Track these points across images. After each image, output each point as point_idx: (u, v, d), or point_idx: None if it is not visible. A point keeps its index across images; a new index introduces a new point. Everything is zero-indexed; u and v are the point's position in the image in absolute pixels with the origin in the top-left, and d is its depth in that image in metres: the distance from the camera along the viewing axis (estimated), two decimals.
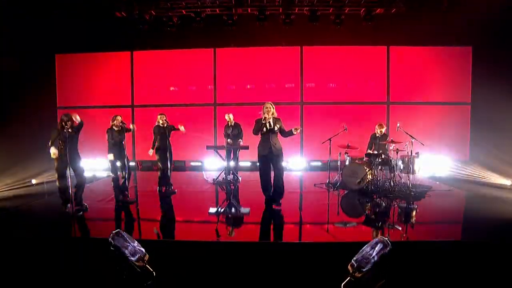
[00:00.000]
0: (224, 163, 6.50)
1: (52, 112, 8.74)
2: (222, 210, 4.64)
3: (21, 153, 6.85)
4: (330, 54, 8.54)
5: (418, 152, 5.39)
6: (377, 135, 6.06)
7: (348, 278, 2.53)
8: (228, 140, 6.59)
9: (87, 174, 4.86)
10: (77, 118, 4.29)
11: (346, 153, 6.00)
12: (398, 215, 4.42)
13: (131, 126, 5.28)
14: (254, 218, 4.20)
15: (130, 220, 4.25)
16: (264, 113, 4.44)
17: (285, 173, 4.63)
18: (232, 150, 6.69)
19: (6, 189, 6.21)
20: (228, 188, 6.06)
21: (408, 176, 5.31)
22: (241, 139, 6.67)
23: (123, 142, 4.99)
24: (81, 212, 4.26)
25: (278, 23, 7.82)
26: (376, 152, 5.85)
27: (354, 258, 2.69)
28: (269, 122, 4.42)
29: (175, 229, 3.86)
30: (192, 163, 8.79)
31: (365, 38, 8.25)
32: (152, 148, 5.56)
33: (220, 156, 6.55)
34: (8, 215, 4.36)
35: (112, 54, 8.69)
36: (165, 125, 5.50)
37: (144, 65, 8.75)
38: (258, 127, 4.46)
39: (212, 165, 8.34)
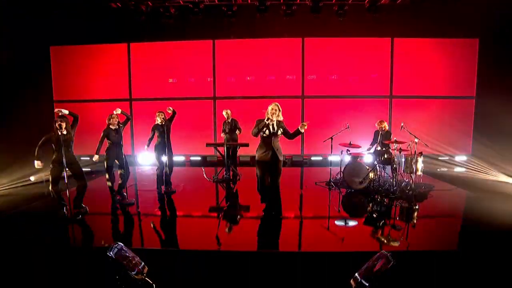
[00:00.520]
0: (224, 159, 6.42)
1: (49, 106, 8.57)
2: (222, 215, 4.57)
3: (19, 150, 6.72)
4: (332, 46, 8.30)
5: (421, 152, 5.29)
6: (380, 132, 5.95)
7: None
8: (224, 136, 6.48)
9: (86, 171, 4.77)
10: (63, 112, 4.16)
11: (348, 150, 5.90)
12: (399, 217, 4.38)
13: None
14: (254, 223, 4.13)
15: (129, 225, 4.18)
16: (268, 114, 4.00)
17: (286, 168, 4.46)
18: (232, 147, 6.60)
19: (2, 188, 6.12)
20: (228, 187, 6.01)
21: (410, 176, 5.24)
22: (239, 131, 6.70)
23: (121, 142, 4.85)
24: (80, 216, 4.20)
25: (279, 14, 7.56)
26: (379, 149, 5.77)
27: (357, 273, 2.66)
28: (272, 124, 4.02)
29: (175, 236, 3.80)
30: (192, 158, 8.71)
31: (369, 30, 8.00)
32: (147, 146, 5.52)
33: (220, 153, 6.47)
34: (1, 221, 4.26)
35: (108, 46, 8.44)
36: (164, 123, 5.39)
37: (141, 58, 8.52)
38: (259, 128, 4.00)
39: (211, 159, 8.27)
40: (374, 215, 4.54)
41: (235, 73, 8.51)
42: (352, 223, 4.23)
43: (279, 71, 8.45)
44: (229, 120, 6.67)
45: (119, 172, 4.95)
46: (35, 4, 7.05)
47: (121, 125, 4.84)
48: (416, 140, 5.08)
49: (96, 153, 4.72)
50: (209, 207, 4.91)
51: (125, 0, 7.26)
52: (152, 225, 4.12)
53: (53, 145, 4.12)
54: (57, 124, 4.05)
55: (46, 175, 4.20)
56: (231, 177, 6.45)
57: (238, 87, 8.53)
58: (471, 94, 8.20)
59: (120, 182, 4.96)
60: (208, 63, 8.48)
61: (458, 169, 7.66)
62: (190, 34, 8.22)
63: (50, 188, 4.11)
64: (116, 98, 8.62)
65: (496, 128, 7.36)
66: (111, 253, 2.88)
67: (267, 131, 4.02)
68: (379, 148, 5.78)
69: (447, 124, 8.22)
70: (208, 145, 6.55)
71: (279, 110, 4.07)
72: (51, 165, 4.10)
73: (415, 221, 4.33)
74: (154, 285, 2.80)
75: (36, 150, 4.07)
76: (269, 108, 4.04)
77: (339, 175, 6.09)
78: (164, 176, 5.47)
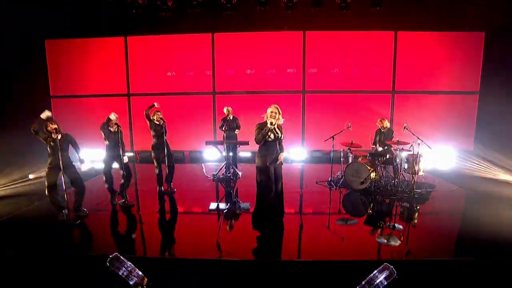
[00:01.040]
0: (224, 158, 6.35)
1: (45, 101, 8.45)
2: (223, 218, 4.53)
3: (17, 148, 6.67)
4: (334, 40, 8.10)
5: (423, 152, 5.21)
6: (382, 130, 5.85)
7: None
8: (225, 134, 6.40)
9: (86, 167, 4.70)
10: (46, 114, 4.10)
11: (349, 148, 5.83)
12: (399, 220, 4.36)
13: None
14: (255, 228, 4.08)
15: (128, 231, 4.12)
16: (268, 117, 3.79)
17: (285, 165, 4.24)
18: (231, 145, 6.52)
19: (1, 189, 6.07)
20: (229, 186, 5.96)
21: (412, 177, 5.18)
22: (239, 128, 6.65)
23: (120, 144, 4.75)
24: (79, 221, 4.16)
25: (280, 7, 7.33)
26: (381, 148, 5.70)
27: (358, 286, 2.63)
28: (274, 128, 3.80)
29: (175, 243, 3.76)
30: (192, 153, 8.64)
31: (372, 23, 7.79)
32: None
33: (220, 151, 6.40)
34: None
35: (105, 39, 8.24)
36: (161, 122, 5.29)
37: (139, 51, 8.33)
38: (264, 134, 3.77)
39: (211, 155, 8.20)
40: (375, 217, 4.52)
41: (234, 66, 8.35)
42: (353, 225, 4.20)
43: (279, 65, 8.28)
44: (230, 118, 6.57)
45: (121, 173, 4.88)
46: None
47: (120, 127, 4.74)
48: (419, 141, 5.00)
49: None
50: (209, 209, 4.85)
51: None
52: (152, 229, 4.09)
53: (48, 149, 4.04)
54: (49, 128, 3.96)
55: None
56: (231, 176, 6.40)
57: (238, 81, 8.37)
58: (475, 90, 8.06)
59: (121, 183, 4.90)
60: (207, 57, 8.30)
61: (459, 166, 7.61)
62: (189, 27, 8.00)
63: (46, 193, 4.06)
64: (114, 94, 8.50)
65: (499, 124, 7.27)
66: (109, 264, 2.86)
67: (272, 136, 3.82)
68: (380, 148, 5.70)
69: (450, 119, 8.12)
70: (207, 143, 6.46)
71: (279, 113, 3.83)
72: (46, 170, 4.03)
73: (415, 221, 4.35)
74: None
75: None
76: (268, 111, 3.81)
77: (340, 174, 6.04)
78: (164, 175, 5.43)
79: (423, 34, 7.90)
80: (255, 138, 3.85)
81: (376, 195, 5.15)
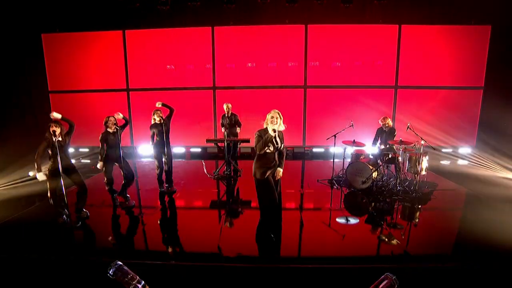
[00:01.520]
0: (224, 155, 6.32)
1: (44, 97, 8.37)
2: (224, 219, 4.53)
3: (16, 145, 6.63)
4: (337, 33, 7.92)
5: (426, 152, 5.16)
6: (384, 129, 5.78)
7: None
8: (225, 132, 6.35)
9: (85, 163, 4.65)
10: (54, 116, 4.03)
11: (350, 146, 5.78)
12: (400, 221, 4.36)
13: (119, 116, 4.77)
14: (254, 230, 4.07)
15: (128, 234, 4.11)
16: (269, 123, 3.43)
17: (287, 161, 3.90)
18: (232, 143, 6.48)
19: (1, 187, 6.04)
20: (229, 184, 5.95)
21: (414, 176, 5.14)
22: (239, 126, 6.58)
23: (120, 145, 4.67)
24: (80, 223, 4.16)
25: (281, 0, 7.15)
26: (383, 146, 5.65)
27: None
28: (275, 137, 3.44)
29: (176, 246, 3.76)
30: (192, 149, 8.61)
31: (376, 16, 7.63)
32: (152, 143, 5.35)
33: (220, 149, 6.36)
34: None
35: (102, 33, 8.07)
36: (161, 121, 5.22)
37: (137, 46, 8.17)
38: (265, 142, 3.42)
39: (211, 151, 8.17)
40: (376, 216, 4.51)
41: (235, 60, 8.21)
42: (354, 224, 4.19)
43: (280, 59, 8.14)
44: (229, 115, 6.51)
45: (122, 173, 4.84)
46: None
47: (119, 128, 4.67)
48: (422, 142, 4.94)
49: (100, 160, 4.59)
50: (211, 211, 4.84)
51: None
52: (153, 232, 4.09)
53: (48, 151, 4.00)
54: (51, 130, 3.91)
55: (45, 169, 4.00)
56: (232, 174, 6.38)
57: (238, 74, 8.24)
58: (479, 85, 7.94)
59: (122, 183, 4.86)
60: (207, 51, 8.15)
61: (461, 162, 7.57)
62: (188, 21, 7.84)
63: (49, 195, 4.04)
64: (113, 89, 8.40)
65: (503, 121, 7.19)
66: (110, 272, 2.86)
67: (272, 147, 3.48)
68: (382, 146, 5.65)
69: (452, 115, 8.04)
70: (208, 141, 6.42)
71: (280, 118, 3.47)
72: (47, 173, 4.00)
73: (416, 220, 4.37)
74: None
75: (36, 161, 3.88)
76: (268, 116, 3.45)
77: (341, 172, 6.01)
78: (165, 174, 5.41)
79: (428, 27, 7.71)
80: (255, 146, 3.51)
81: (378, 195, 5.12)
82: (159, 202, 5.11)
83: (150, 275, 3.04)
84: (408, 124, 5.19)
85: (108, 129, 4.62)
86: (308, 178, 6.53)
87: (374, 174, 5.20)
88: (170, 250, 3.66)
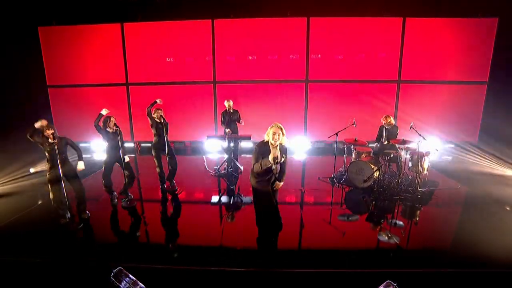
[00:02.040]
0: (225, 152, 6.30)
1: (43, 92, 8.28)
2: (226, 218, 4.54)
3: (15, 143, 6.58)
4: (340, 26, 7.75)
5: (429, 152, 5.13)
6: (386, 127, 5.73)
7: None
8: (227, 130, 6.31)
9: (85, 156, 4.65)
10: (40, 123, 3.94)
11: (352, 145, 5.75)
12: (401, 221, 4.37)
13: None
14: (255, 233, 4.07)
15: (132, 235, 4.12)
16: (270, 138, 3.24)
17: (288, 157, 3.65)
18: (233, 140, 6.43)
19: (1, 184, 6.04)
20: (231, 180, 5.95)
21: (416, 176, 5.13)
22: (242, 122, 6.54)
23: (120, 146, 4.64)
24: (82, 225, 4.18)
25: None
26: (386, 143, 5.62)
27: None
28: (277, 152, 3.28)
29: (176, 248, 3.78)
30: (193, 144, 8.58)
31: (380, 9, 7.44)
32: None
33: (221, 146, 6.33)
34: None
35: (100, 26, 7.90)
36: (162, 120, 5.18)
37: (136, 39, 8.02)
38: (262, 166, 3.27)
39: (212, 147, 8.14)
40: (376, 214, 4.53)
41: (235, 53, 8.06)
42: (354, 221, 4.21)
43: (282, 53, 7.99)
44: (231, 111, 6.43)
45: (124, 174, 4.84)
46: None
47: (118, 128, 4.63)
48: (424, 141, 4.90)
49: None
50: (213, 210, 4.84)
51: None
52: (154, 234, 4.11)
53: (46, 154, 3.97)
54: (46, 134, 3.87)
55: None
56: (233, 171, 6.37)
57: (239, 67, 8.12)
58: (483, 79, 7.82)
59: (124, 183, 4.86)
60: (207, 44, 8.00)
61: (462, 157, 7.55)
62: (187, 13, 7.67)
63: (51, 197, 4.04)
64: (112, 83, 8.30)
65: (506, 116, 7.12)
66: (112, 278, 2.90)
67: (271, 164, 3.29)
68: (385, 142, 5.61)
69: (455, 110, 7.96)
70: (209, 137, 6.39)
71: (283, 134, 3.26)
72: (48, 176, 3.99)
73: (417, 219, 4.41)
74: None
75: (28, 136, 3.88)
76: (270, 131, 3.25)
77: (342, 169, 5.99)
78: (166, 173, 5.41)
79: (433, 20, 7.54)
80: (252, 157, 3.37)
81: (379, 194, 5.12)
82: (160, 202, 5.12)
83: (151, 280, 3.08)
84: (411, 124, 5.14)
85: (108, 129, 4.58)
86: (308, 175, 6.51)
87: (376, 173, 5.18)
88: (170, 247, 3.70)
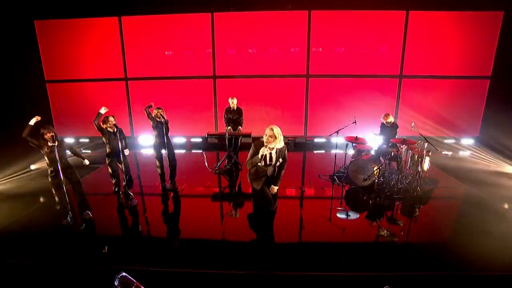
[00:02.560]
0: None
1: (41, 87, 8.20)
2: (226, 217, 4.58)
3: (15, 140, 6.55)
4: (341, 20, 7.59)
5: (429, 151, 5.12)
6: (386, 125, 5.71)
7: None
8: (228, 127, 6.28)
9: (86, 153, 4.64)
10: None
11: (353, 143, 5.74)
12: (402, 217, 4.42)
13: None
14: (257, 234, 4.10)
15: (133, 236, 4.15)
16: (265, 140, 3.32)
17: (288, 153, 3.71)
18: (234, 137, 6.42)
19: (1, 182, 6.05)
20: (231, 177, 5.97)
21: (416, 174, 5.14)
22: (241, 126, 6.39)
23: (121, 146, 4.61)
24: (83, 225, 4.21)
25: None
26: (385, 140, 5.61)
27: None
28: (270, 153, 3.38)
29: (177, 251, 3.81)
30: (193, 140, 8.56)
31: (383, 2, 7.29)
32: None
33: (222, 144, 6.32)
34: None
35: (97, 20, 7.75)
36: (162, 120, 5.15)
37: (134, 33, 7.88)
38: (256, 159, 3.38)
39: (212, 141, 8.13)
40: (376, 212, 4.57)
41: (236, 46, 7.93)
42: (354, 219, 4.25)
43: (282, 47, 7.87)
44: (235, 109, 6.36)
45: (124, 175, 4.85)
46: None
47: (119, 128, 4.61)
48: (426, 142, 4.89)
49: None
50: (214, 210, 4.87)
51: None
52: (155, 234, 4.16)
53: (45, 158, 3.96)
54: (46, 137, 3.84)
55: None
56: (233, 168, 6.39)
57: (239, 61, 8.01)
58: (486, 74, 7.72)
59: (124, 183, 4.88)
60: (207, 38, 7.87)
61: (463, 153, 7.55)
62: (186, 7, 7.51)
63: (56, 200, 4.07)
64: (111, 78, 8.21)
65: (508, 112, 7.07)
66: (115, 283, 2.93)
67: (263, 162, 3.40)
68: (385, 143, 5.60)
69: (457, 105, 7.91)
70: (209, 135, 6.37)
71: (276, 137, 3.29)
72: (49, 179, 3.99)
73: (416, 218, 4.43)
74: None
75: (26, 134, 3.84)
76: (267, 133, 3.33)
77: (343, 167, 6.00)
78: (166, 172, 5.42)
79: (437, 14, 7.38)
80: (248, 159, 3.49)
81: (379, 193, 5.14)
82: (161, 201, 5.14)
83: (154, 284, 3.13)
84: (413, 124, 5.11)
85: (109, 129, 4.56)
86: (309, 172, 6.52)
87: (376, 172, 5.19)
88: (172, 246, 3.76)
